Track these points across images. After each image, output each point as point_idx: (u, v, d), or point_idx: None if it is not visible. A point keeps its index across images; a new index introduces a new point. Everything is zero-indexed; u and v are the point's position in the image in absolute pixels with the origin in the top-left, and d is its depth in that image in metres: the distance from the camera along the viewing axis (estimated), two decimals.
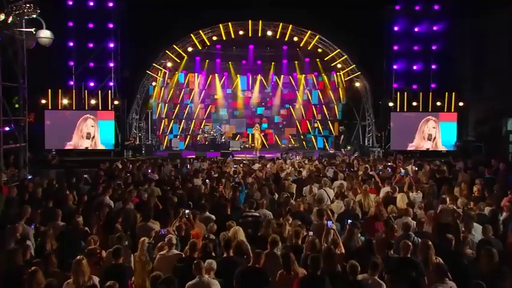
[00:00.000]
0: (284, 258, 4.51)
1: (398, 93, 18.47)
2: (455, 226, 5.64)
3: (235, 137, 22.97)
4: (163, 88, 21.69)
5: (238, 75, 23.10)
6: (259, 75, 23.04)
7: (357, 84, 19.94)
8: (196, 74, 22.54)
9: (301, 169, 11.27)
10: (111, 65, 17.93)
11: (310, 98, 23.24)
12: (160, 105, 21.86)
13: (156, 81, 20.71)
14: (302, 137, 23.31)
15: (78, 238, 5.47)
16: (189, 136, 22.95)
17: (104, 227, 6.14)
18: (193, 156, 16.34)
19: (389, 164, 12.33)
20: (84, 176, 9.85)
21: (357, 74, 19.74)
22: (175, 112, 22.67)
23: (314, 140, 22.96)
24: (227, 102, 23.35)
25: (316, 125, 22.84)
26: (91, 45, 17.44)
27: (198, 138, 22.33)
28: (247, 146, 22.19)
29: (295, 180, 9.88)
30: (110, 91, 18.04)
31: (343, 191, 8.30)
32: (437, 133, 17.87)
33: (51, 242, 5.22)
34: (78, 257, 4.30)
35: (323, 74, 22.33)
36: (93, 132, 17.58)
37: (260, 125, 20.07)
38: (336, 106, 22.49)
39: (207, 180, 9.37)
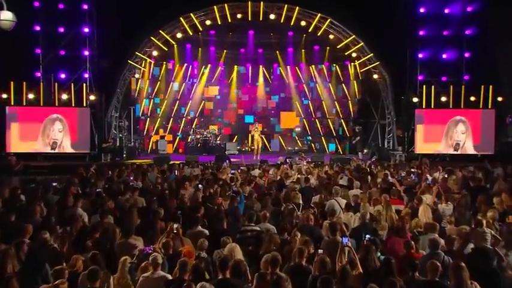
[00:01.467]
0: (275, 284, 4.45)
1: (424, 87, 18.54)
2: (493, 249, 5.68)
3: (233, 138, 23.05)
4: (148, 81, 21.76)
5: (236, 66, 23.19)
6: (261, 65, 23.14)
7: (375, 76, 20.03)
8: (186, 64, 22.67)
9: (309, 176, 11.32)
10: (86, 53, 17.98)
11: (320, 92, 23.35)
12: (144, 101, 21.93)
13: (139, 73, 20.80)
14: (311, 138, 23.43)
15: (45, 258, 5.42)
16: (178, 137, 23.07)
17: (77, 244, 6.11)
18: (183, 161, 16.44)
19: (413, 170, 12.35)
20: (53, 184, 9.83)
21: (375, 64, 19.82)
22: (162, 109, 22.77)
23: (324, 142, 23.07)
24: (223, 97, 23.48)
25: (331, 123, 22.97)
26: (62, 29, 17.45)
27: (188, 140, 22.40)
28: (246, 148, 22.26)
29: (303, 188, 9.93)
30: (84, 84, 18.11)
31: (359, 202, 8.34)
32: (467, 137, 17.79)
33: (13, 263, 5.14)
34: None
35: (335, 65, 22.43)
36: (61, 139, 17.56)
37: (261, 127, 20.12)
38: (350, 102, 22.57)
39: (199, 185, 9.46)
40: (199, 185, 9.60)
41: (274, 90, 23.69)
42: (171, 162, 15.76)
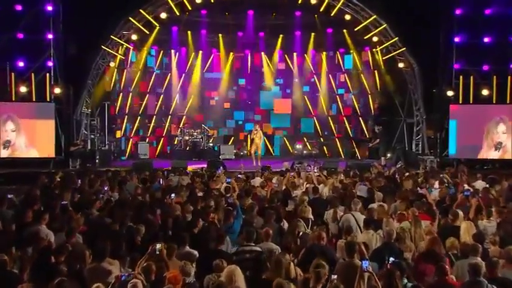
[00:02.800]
0: None
1: (461, 78, 18.56)
2: None
3: (228, 140, 23.09)
4: (126, 71, 21.85)
5: (232, 53, 23.29)
6: (262, 52, 23.20)
7: (401, 65, 20.05)
8: (173, 51, 22.74)
9: (320, 185, 11.38)
10: (50, 36, 18.00)
11: (333, 84, 23.37)
12: (121, 95, 22.00)
13: (115, 61, 20.85)
14: (322, 139, 23.44)
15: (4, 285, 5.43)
16: (162, 139, 23.05)
17: (39, 268, 6.11)
18: (169, 168, 16.39)
19: (447, 178, 12.34)
20: (9, 196, 9.72)
21: (400, 50, 19.84)
22: (144, 105, 22.84)
23: (339, 145, 23.05)
24: (216, 91, 23.57)
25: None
26: (19, 7, 17.42)
27: (175, 142, 22.38)
28: (245, 152, 22.40)
29: (313, 200, 10.00)
30: (47, 75, 18.15)
31: (381, 217, 8.40)
32: (508, 138, 17.86)
33: None
34: None
35: (352, 51, 22.48)
36: (13, 140, 17.63)
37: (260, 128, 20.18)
38: (370, 97, 22.62)
39: (172, 195, 9.50)
40: (172, 194, 9.62)
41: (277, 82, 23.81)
42: (154, 169, 15.77)
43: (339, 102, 23.36)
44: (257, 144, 19.45)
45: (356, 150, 22.36)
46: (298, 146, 22.38)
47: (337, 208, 9.08)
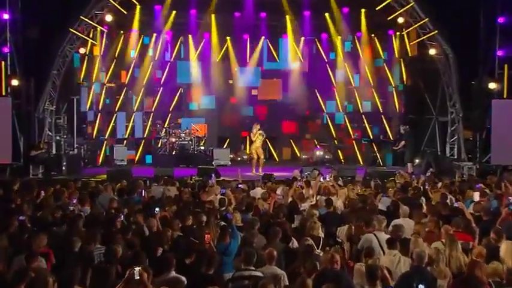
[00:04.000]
0: None
1: (505, 67, 18.55)
2: None
3: (223, 143, 23.11)
4: (99, 59, 21.85)
5: (228, 38, 23.31)
6: (263, 37, 23.26)
7: (432, 51, 20.06)
8: (155, 34, 22.76)
9: (334, 197, 11.39)
10: (6, 17, 18.00)
11: (350, 76, 23.40)
12: (94, 88, 22.00)
13: (86, 47, 20.83)
14: (336, 142, 23.50)
15: None
16: (143, 141, 23.12)
17: None
18: (152, 176, 16.48)
19: (488, 189, 12.31)
20: None
21: (432, 33, 19.83)
22: (120, 100, 22.85)
23: (357, 149, 23.08)
24: (208, 85, 23.58)
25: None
26: None
27: (159, 145, 22.38)
28: (245, 157, 22.40)
29: (325, 216, 10.05)
30: (3, 63, 18.14)
31: (407, 236, 8.43)
32: None
33: None
34: None
35: (372, 35, 22.53)
36: None
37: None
38: (394, 90, 22.64)
39: (156, 209, 9.51)
40: (156, 208, 9.64)
41: (282, 73, 23.83)
42: (134, 177, 15.76)
43: (357, 97, 23.40)
44: (258, 148, 19.45)
45: (377, 155, 22.37)
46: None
47: (353, 225, 9.09)
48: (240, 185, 13.37)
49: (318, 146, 22.79)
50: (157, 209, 9.79)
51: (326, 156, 22.41)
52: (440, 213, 9.82)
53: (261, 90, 23.82)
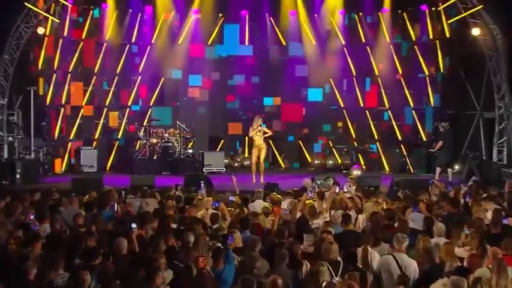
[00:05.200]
0: None
1: None
2: None
3: (216, 144, 23.20)
4: (62, 41, 21.82)
5: (221, 16, 23.40)
6: (267, 14, 23.34)
7: (476, 31, 19.96)
8: (130, 11, 22.79)
9: (352, 212, 11.45)
10: None
11: (373, 62, 23.46)
12: (55, 77, 21.98)
13: (45, 26, 20.78)
14: (356, 144, 23.54)
15: None
16: (117, 143, 23.16)
17: None
18: (127, 186, 16.54)
19: None
20: None
21: (475, 9, 19.77)
22: (89, 92, 22.85)
23: (382, 153, 23.13)
24: (200, 74, 23.65)
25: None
26: None
27: (137, 148, 22.45)
28: (239, 162, 22.42)
29: (342, 235, 10.05)
30: None
31: (444, 260, 8.38)
32: None
33: None
34: None
35: (401, 12, 22.53)
36: None
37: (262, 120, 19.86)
38: (427, 80, 22.65)
39: (133, 225, 9.60)
40: (133, 225, 9.69)
41: (288, 59, 23.89)
42: (105, 188, 15.74)
43: (382, 89, 23.41)
44: (259, 148, 19.29)
45: (407, 159, 22.32)
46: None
47: (375, 246, 9.08)
48: (232, 197, 13.33)
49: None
50: (133, 225, 9.75)
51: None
52: (486, 232, 9.75)
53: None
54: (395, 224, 10.52)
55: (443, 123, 20.39)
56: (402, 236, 8.86)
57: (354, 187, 14.69)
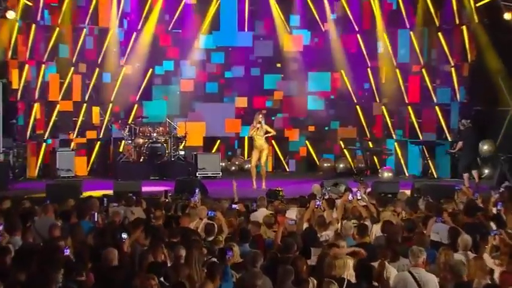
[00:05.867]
0: None
1: None
2: None
3: (212, 145, 23.35)
4: (35, 27, 21.82)
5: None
6: None
7: (508, 16, 19.89)
8: None
9: (366, 222, 11.48)
10: None
11: (390, 50, 23.49)
12: (27, 68, 21.94)
13: (16, 10, 20.65)
14: (371, 144, 23.64)
15: None
16: (98, 143, 23.20)
17: None
18: (110, 193, 16.60)
19: None
20: None
21: None
22: (66, 84, 22.79)
23: (400, 155, 23.17)
24: (191, 63, 23.76)
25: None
26: None
27: (120, 149, 22.63)
28: (238, 165, 22.52)
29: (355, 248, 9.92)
30: None
31: (478, 277, 8.34)
32: None
33: None
34: None
35: None
36: None
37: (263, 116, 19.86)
38: (453, 71, 22.61)
39: (123, 235, 9.64)
40: (123, 235, 9.74)
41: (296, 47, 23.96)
42: (84, 195, 15.77)
43: (400, 81, 23.38)
44: (260, 149, 19.34)
45: (429, 162, 22.28)
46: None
47: (387, 260, 9.03)
48: (234, 205, 13.31)
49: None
50: (124, 234, 9.79)
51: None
52: None
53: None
54: (414, 237, 10.44)
55: (463, 120, 20.36)
56: (418, 249, 8.81)
57: (366, 193, 14.64)
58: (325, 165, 23.12)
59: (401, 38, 23.32)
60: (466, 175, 19.28)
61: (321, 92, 24.39)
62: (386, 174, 21.38)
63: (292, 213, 12.62)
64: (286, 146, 24.25)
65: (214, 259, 8.97)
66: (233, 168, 22.93)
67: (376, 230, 11.37)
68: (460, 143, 19.93)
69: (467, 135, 19.79)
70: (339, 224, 11.65)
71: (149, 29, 23.37)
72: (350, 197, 13.11)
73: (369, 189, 15.88)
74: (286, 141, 24.17)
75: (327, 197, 13.96)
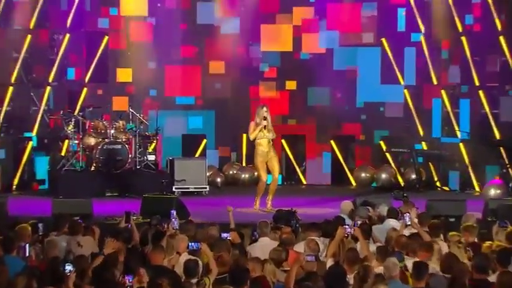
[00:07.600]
0: None
1: None
2: None
3: (195, 148, 23.93)
4: None
5: None
6: None
7: None
8: None
9: (418, 257, 11.83)
10: None
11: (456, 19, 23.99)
12: None
13: None
14: (425, 146, 24.42)
15: None
16: (29, 145, 23.29)
17: None
18: (47, 216, 17.04)
19: None
20: None
21: None
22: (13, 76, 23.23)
23: (467, 161, 23.53)
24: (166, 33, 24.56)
25: None
26: None
27: (63, 153, 23.00)
28: (232, 175, 23.15)
29: None
30: None
31: None
32: None
33: None
34: None
35: None
36: None
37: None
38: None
39: (67, 268, 9.98)
40: (67, 266, 9.92)
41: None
42: (12, 220, 16.21)
43: (469, 58, 23.92)
44: (267, 155, 19.65)
45: (510, 172, 22.48)
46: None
47: None
48: (226, 234, 13.29)
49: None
50: (68, 266, 9.96)
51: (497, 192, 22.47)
52: None
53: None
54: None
55: None
56: None
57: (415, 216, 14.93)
58: (364, 174, 23.37)
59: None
60: None
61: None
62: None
63: (300, 247, 12.85)
64: (303, 148, 24.69)
65: None
66: (220, 180, 23.38)
67: (433, 265, 11.48)
68: None
69: None
70: (375, 261, 11.81)
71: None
72: (348, 230, 13.13)
73: (418, 210, 16.13)
74: (303, 141, 24.71)
75: (360, 221, 14.31)
